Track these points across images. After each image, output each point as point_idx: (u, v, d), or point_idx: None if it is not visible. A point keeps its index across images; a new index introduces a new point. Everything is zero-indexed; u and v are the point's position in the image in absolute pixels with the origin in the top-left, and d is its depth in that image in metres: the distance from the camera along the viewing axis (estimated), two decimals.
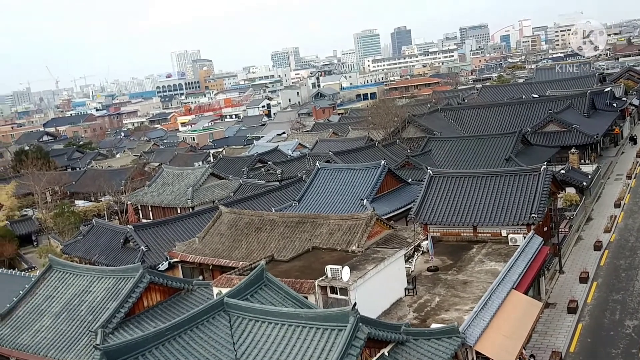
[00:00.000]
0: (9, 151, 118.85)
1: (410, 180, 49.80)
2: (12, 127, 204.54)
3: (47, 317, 29.70)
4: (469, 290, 28.51)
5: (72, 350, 26.78)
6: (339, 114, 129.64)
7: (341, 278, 25.50)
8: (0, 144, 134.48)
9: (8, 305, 32.02)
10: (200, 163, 78.54)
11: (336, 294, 25.70)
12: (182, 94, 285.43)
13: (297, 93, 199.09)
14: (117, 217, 62.49)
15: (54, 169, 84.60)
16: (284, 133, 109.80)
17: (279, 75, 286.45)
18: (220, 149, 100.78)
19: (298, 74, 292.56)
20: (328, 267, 26.22)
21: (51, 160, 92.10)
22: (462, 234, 36.17)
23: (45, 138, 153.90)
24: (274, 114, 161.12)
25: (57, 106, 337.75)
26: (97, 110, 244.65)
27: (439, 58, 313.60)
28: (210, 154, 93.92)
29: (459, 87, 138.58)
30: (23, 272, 42.41)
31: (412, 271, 31.34)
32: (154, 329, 21.25)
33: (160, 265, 40.50)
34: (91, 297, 29.60)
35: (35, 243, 60.13)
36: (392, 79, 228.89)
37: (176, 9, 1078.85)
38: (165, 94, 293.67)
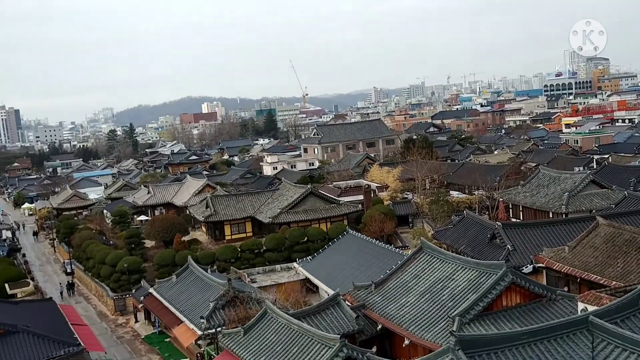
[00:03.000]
0: (399, 138, 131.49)
1: None
2: (404, 117, 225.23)
3: (413, 294, 32.07)
4: None
5: (430, 331, 28.37)
6: None
7: None
8: (393, 131, 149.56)
9: (382, 276, 35.71)
10: (581, 168, 73.56)
11: None
12: (570, 93, 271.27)
13: None
14: (487, 212, 63.39)
15: (435, 159, 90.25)
16: None
17: None
18: (606, 155, 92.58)
19: None
20: None
21: (434, 150, 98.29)
22: None
23: (431, 129, 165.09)
24: None
25: (445, 100, 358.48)
26: (481, 106, 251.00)
27: None
28: (594, 160, 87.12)
29: None
30: (397, 249, 46.68)
31: None
32: (510, 330, 21.00)
33: (524, 268, 39.63)
34: (453, 284, 30.79)
35: (410, 224, 65.41)
36: None
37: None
38: (552, 93, 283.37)
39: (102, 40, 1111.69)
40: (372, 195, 69.96)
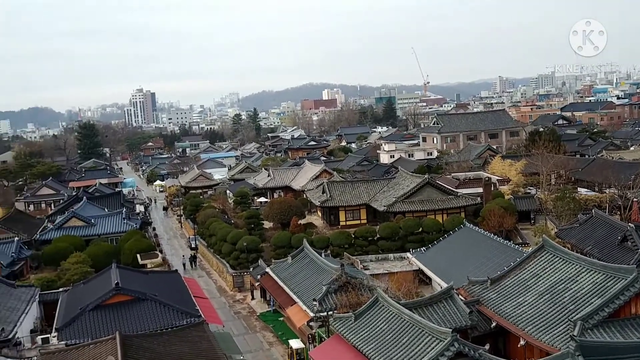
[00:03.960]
0: (525, 130, 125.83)
1: None
2: (531, 109, 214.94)
3: (531, 293, 30.77)
4: None
5: (549, 333, 27.11)
6: None
7: None
8: (518, 123, 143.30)
9: (499, 272, 34.55)
10: None
11: None
12: None
13: None
14: (618, 213, 59.14)
15: (562, 153, 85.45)
16: None
17: None
18: None
19: None
20: None
21: (562, 144, 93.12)
22: None
23: (560, 122, 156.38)
24: None
25: (577, 91, 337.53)
26: (618, 98, 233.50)
27: None
28: None
29: None
30: (516, 246, 44.85)
31: None
32: (638, 339, 19.55)
33: None
34: (576, 286, 29.18)
35: (532, 221, 62.54)
36: None
37: None
38: None
39: (229, 26, 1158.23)
40: (492, 188, 67.69)
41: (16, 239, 60.69)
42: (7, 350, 33.68)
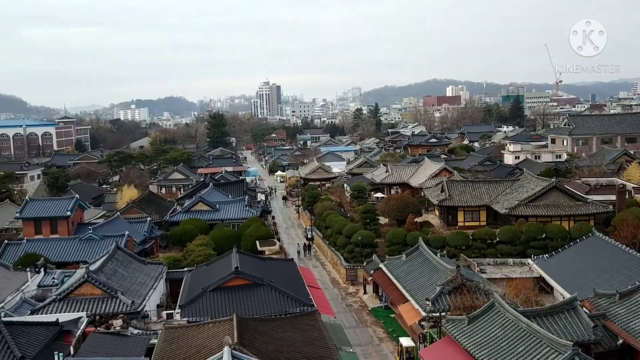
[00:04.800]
0: None
1: None
2: None
3: None
4: None
5: None
6: None
7: None
8: None
9: (629, 286, 32.14)
10: None
11: None
12: None
13: None
14: None
15: None
16: None
17: None
18: None
19: None
20: None
21: None
22: None
23: None
24: None
25: None
26: None
27: None
28: None
29: None
30: None
31: None
32: None
33: None
34: None
35: None
36: None
37: None
38: None
39: (348, 20, 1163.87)
40: (627, 196, 62.92)
41: (148, 219, 65.30)
42: (135, 322, 36.36)
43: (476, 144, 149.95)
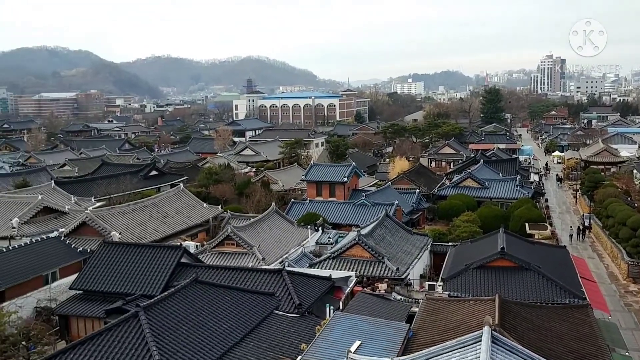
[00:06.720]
0: None
1: None
2: None
3: None
4: None
5: None
6: None
7: None
8: None
9: None
10: None
11: None
12: None
13: None
14: None
15: None
16: None
17: None
18: None
19: None
20: None
21: None
22: None
23: None
24: None
25: None
26: None
27: None
28: None
29: None
30: None
31: None
32: None
33: None
34: None
35: None
36: None
37: None
38: None
39: None
40: None
41: (417, 190, 66.95)
42: (399, 288, 37.85)
43: None
